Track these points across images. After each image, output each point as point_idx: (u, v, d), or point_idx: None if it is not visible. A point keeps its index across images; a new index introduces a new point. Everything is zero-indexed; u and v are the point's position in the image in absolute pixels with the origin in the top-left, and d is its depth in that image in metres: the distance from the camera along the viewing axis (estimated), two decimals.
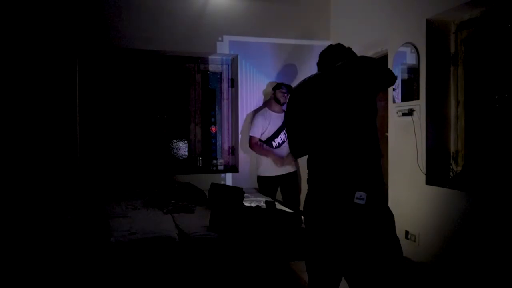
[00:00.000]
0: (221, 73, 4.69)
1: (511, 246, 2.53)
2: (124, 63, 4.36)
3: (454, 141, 3.25)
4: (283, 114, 4.14)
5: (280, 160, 4.13)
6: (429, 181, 3.20)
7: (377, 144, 2.03)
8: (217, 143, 4.73)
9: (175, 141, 4.61)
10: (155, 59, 4.45)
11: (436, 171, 3.23)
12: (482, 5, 2.90)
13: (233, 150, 4.67)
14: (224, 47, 4.42)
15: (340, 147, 1.97)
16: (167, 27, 4.26)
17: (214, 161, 4.72)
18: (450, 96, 3.25)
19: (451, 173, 3.24)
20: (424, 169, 3.21)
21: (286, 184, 4.23)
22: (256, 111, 4.39)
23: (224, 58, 4.61)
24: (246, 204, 3.34)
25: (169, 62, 4.51)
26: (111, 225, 2.89)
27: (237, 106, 4.56)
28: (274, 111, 4.21)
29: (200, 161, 4.64)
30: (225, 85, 4.69)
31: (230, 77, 4.68)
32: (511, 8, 2.75)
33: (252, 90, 4.53)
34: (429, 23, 3.21)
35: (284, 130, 4.13)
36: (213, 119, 4.72)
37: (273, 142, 4.16)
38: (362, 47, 4.25)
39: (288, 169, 4.18)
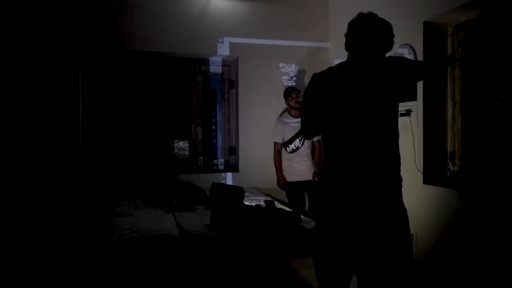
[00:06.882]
0: (221, 74, 4.74)
1: (507, 244, 2.57)
2: (126, 64, 4.41)
3: (451, 141, 3.30)
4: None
5: (279, 182, 4.18)
6: (426, 181, 3.24)
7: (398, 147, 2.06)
8: (218, 143, 4.78)
9: (176, 141, 4.66)
10: (156, 61, 4.50)
11: (433, 170, 3.27)
12: (478, 7, 2.93)
13: (234, 150, 4.72)
14: (224, 49, 4.47)
15: (371, 143, 1.96)
16: (169, 28, 4.31)
17: (215, 161, 4.77)
18: (447, 97, 3.30)
19: (448, 173, 3.28)
20: (421, 169, 3.25)
21: (306, 192, 4.21)
22: (280, 116, 4.38)
23: (224, 59, 4.66)
24: (246, 203, 3.38)
25: (171, 63, 4.56)
26: (113, 223, 2.93)
27: (237, 107, 4.62)
28: (292, 116, 4.18)
29: (201, 160, 4.69)
30: (225, 86, 4.74)
31: (230, 78, 4.73)
32: (507, 10, 2.79)
33: (252, 91, 4.58)
34: (427, 25, 3.25)
35: (300, 136, 4.09)
36: (213, 120, 4.78)
37: (287, 148, 4.15)
38: None
39: (307, 176, 4.16)
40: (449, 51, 3.27)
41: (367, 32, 2.00)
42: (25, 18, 3.90)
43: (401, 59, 2.07)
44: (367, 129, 1.97)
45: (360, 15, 2.05)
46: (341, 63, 2.09)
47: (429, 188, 3.20)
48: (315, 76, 2.13)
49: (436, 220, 3.13)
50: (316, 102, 2.06)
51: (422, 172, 3.24)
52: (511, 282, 2.54)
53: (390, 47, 2.09)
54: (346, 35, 2.08)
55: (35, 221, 3.14)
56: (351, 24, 2.06)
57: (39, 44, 3.94)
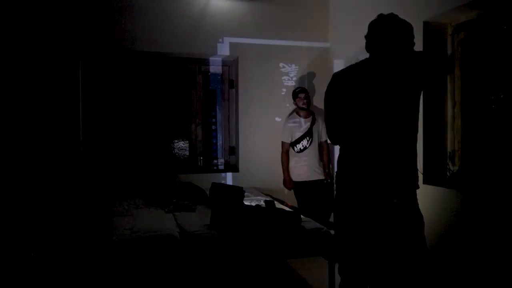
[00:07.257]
0: (221, 74, 4.74)
1: (507, 244, 2.57)
2: (126, 64, 4.41)
3: (451, 141, 3.30)
4: (310, 119, 4.26)
5: (285, 181, 4.26)
6: (426, 181, 3.24)
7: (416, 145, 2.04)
8: (218, 143, 4.78)
9: (176, 141, 4.67)
10: (157, 61, 4.50)
11: (433, 170, 3.27)
12: (478, 7, 2.93)
13: (234, 150, 4.72)
14: (224, 49, 4.48)
15: (388, 143, 1.95)
16: (169, 28, 4.31)
17: (215, 161, 4.77)
18: (447, 97, 3.30)
19: (448, 173, 3.28)
20: (421, 169, 3.25)
21: (315, 192, 4.26)
22: (288, 116, 4.45)
23: (224, 59, 4.66)
24: (246, 203, 3.39)
25: (171, 64, 4.56)
26: (113, 223, 2.94)
27: (237, 107, 4.62)
28: (301, 116, 4.28)
29: (201, 160, 4.69)
30: (225, 86, 4.74)
31: (230, 78, 4.73)
32: (507, 10, 2.79)
33: (252, 91, 4.58)
34: (426, 25, 3.25)
35: (308, 137, 4.19)
36: (213, 120, 4.78)
37: (295, 147, 4.24)
38: (360, 49, 4.29)
39: (314, 176, 4.23)
40: (449, 51, 3.27)
41: (389, 33, 2.00)
42: (25, 18, 3.90)
43: (424, 54, 2.04)
44: (387, 127, 1.95)
45: (381, 16, 2.05)
46: (362, 61, 2.05)
47: (429, 188, 3.20)
48: (335, 77, 2.10)
49: (436, 220, 3.12)
50: (340, 104, 2.04)
51: (422, 172, 3.24)
52: (511, 282, 2.55)
53: (411, 47, 2.06)
54: (366, 36, 2.07)
55: (35, 221, 3.15)
56: (372, 25, 2.06)
57: (39, 44, 3.94)
